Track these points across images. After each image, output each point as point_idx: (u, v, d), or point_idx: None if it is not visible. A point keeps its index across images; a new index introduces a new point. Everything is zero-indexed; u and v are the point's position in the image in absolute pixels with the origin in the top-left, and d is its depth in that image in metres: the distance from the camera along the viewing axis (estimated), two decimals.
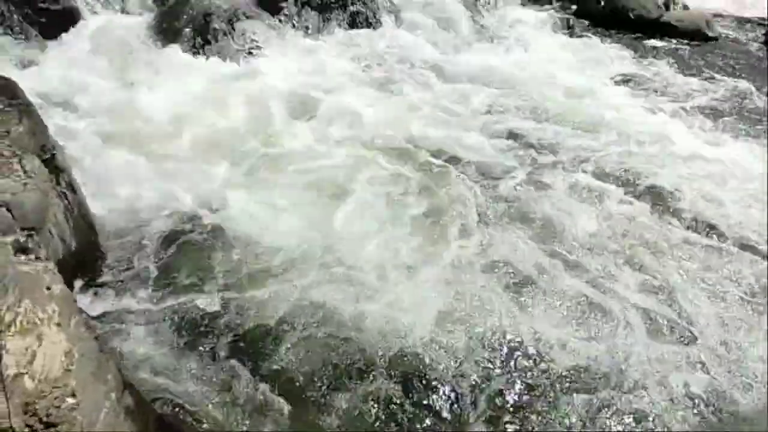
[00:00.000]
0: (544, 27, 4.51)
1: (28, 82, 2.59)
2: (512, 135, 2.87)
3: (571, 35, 4.57)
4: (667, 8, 5.06)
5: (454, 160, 2.63)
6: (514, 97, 3.19)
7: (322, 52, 3.45)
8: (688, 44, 4.59)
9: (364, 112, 2.83)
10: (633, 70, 3.94)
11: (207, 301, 1.79)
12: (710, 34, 4.75)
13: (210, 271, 1.92)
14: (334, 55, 3.45)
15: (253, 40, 3.29)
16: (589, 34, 4.58)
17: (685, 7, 5.28)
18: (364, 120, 2.77)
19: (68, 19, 3.38)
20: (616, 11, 4.85)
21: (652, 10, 4.85)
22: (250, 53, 3.25)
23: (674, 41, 4.61)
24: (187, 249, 2.00)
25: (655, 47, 4.47)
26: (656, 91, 3.65)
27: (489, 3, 4.59)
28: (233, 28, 3.32)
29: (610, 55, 4.14)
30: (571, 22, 4.73)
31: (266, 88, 2.89)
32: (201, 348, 1.66)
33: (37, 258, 1.34)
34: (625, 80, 3.79)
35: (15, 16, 3.23)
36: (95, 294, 1.80)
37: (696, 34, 4.71)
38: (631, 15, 4.79)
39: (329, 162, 2.47)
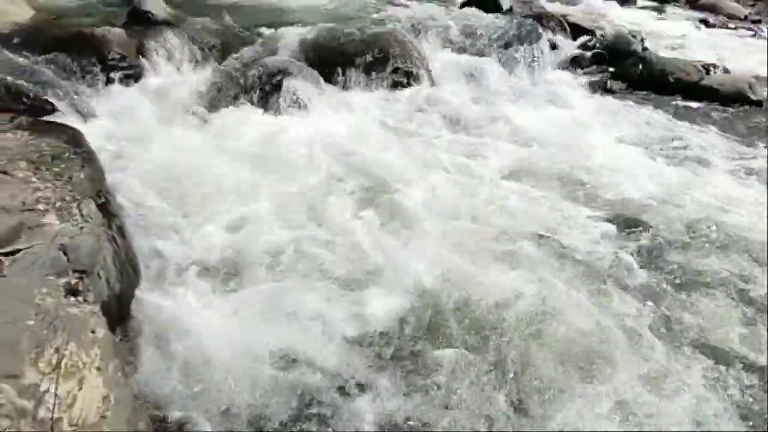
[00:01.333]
0: (581, 88, 4.57)
1: (91, 131, 2.82)
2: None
3: (608, 96, 4.61)
4: (708, 72, 5.06)
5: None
6: (546, 159, 3.20)
7: (364, 109, 3.60)
8: (731, 108, 4.54)
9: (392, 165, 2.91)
10: (673, 134, 3.87)
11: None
12: (754, 97, 4.69)
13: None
14: (376, 112, 3.60)
15: (301, 98, 3.47)
16: (628, 97, 4.61)
17: (726, 71, 5.27)
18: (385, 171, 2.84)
19: (133, 75, 3.67)
20: (654, 74, 4.89)
21: (692, 74, 4.85)
22: (298, 109, 3.43)
23: (716, 105, 4.57)
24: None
25: (696, 110, 4.44)
26: (697, 159, 3.55)
27: (528, 65, 4.71)
28: (284, 86, 3.52)
29: (650, 117, 4.11)
30: (609, 84, 4.78)
31: (312, 143, 3.03)
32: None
33: (85, 300, 1.39)
34: (665, 144, 3.72)
35: (84, 70, 3.52)
36: (133, 337, 1.84)
37: (739, 98, 4.66)
38: (670, 78, 4.81)
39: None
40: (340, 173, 2.83)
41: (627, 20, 7.68)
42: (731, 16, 9.67)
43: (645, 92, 4.76)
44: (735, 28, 8.68)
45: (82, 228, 1.61)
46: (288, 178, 2.72)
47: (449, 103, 3.89)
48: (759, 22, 9.62)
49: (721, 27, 8.65)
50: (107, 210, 1.99)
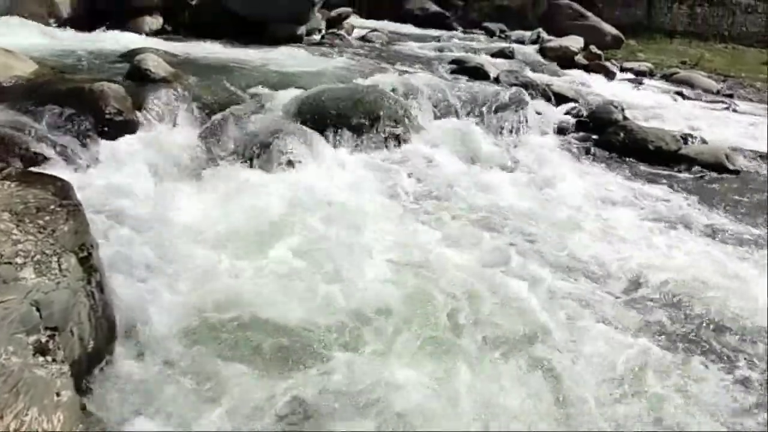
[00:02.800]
0: (565, 155, 4.73)
1: (79, 182, 2.81)
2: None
3: (593, 162, 4.76)
4: (686, 141, 5.28)
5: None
6: (533, 231, 3.22)
7: (353, 167, 3.66)
8: (709, 176, 4.69)
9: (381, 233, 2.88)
10: (654, 201, 3.98)
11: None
12: (731, 167, 4.87)
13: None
14: (364, 171, 3.65)
15: (292, 155, 3.54)
16: (610, 163, 4.77)
17: (704, 141, 5.50)
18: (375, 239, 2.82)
19: (127, 128, 3.72)
20: (635, 142, 5.08)
21: (671, 143, 5.06)
22: (289, 166, 3.48)
23: (695, 173, 4.73)
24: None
25: (675, 178, 4.58)
26: (680, 224, 3.63)
27: (514, 130, 4.89)
28: (275, 144, 3.59)
29: (632, 185, 4.24)
30: (592, 150, 4.95)
31: (298, 199, 3.04)
32: None
33: (54, 360, 1.33)
34: (647, 210, 3.81)
35: (79, 123, 3.57)
36: (102, 397, 1.75)
37: (717, 167, 4.84)
38: (650, 146, 5.00)
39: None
40: (318, 239, 2.77)
41: (608, 91, 8.10)
42: (705, 90, 10.25)
43: (627, 159, 4.93)
44: (709, 101, 9.17)
45: (58, 283, 1.57)
46: (269, 241, 2.68)
47: (439, 166, 3.97)
48: (731, 96, 10.19)
49: (696, 100, 9.13)
50: (88, 264, 1.95)
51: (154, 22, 7.50)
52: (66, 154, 3.33)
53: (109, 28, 6.87)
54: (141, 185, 3.05)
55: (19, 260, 1.58)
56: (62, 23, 6.95)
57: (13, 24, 6.11)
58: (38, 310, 1.39)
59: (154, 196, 2.94)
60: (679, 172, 4.73)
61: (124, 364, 1.87)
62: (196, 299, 2.20)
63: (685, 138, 5.31)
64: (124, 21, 7.17)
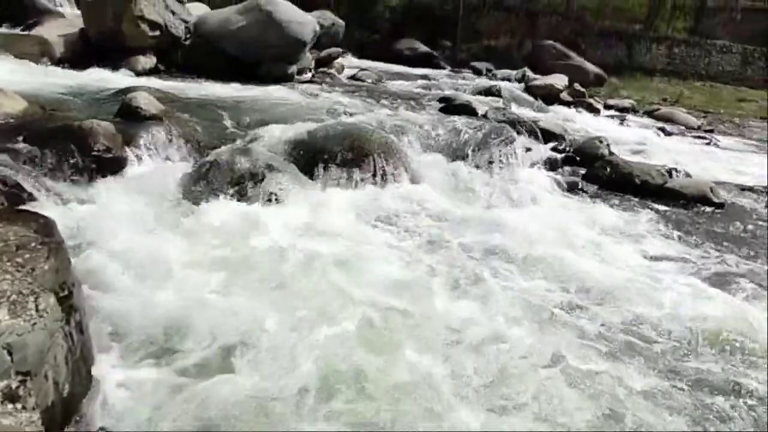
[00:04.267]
0: (554, 189, 4.78)
1: (65, 220, 2.77)
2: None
3: (579, 197, 4.81)
4: (671, 175, 5.38)
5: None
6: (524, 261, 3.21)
7: (342, 206, 3.64)
8: (694, 209, 4.76)
9: (368, 271, 2.82)
10: (642, 233, 4.01)
11: None
12: (716, 200, 4.95)
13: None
14: (353, 209, 3.63)
15: (280, 191, 3.53)
16: (597, 197, 4.83)
17: (688, 175, 5.61)
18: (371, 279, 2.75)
19: (116, 165, 3.71)
20: (622, 176, 5.17)
21: (657, 177, 5.15)
22: (276, 203, 3.47)
23: (680, 207, 4.80)
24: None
25: (660, 211, 4.64)
26: (668, 257, 3.65)
27: (503, 166, 4.95)
28: (265, 181, 3.59)
29: (621, 217, 4.26)
30: (581, 185, 5.02)
31: (286, 241, 3.00)
32: None
33: (24, 408, 1.26)
34: (636, 242, 3.83)
35: (68, 160, 3.55)
36: None
37: (701, 200, 4.92)
38: (636, 180, 5.09)
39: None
40: (303, 278, 2.70)
41: (593, 127, 8.30)
42: (686, 126, 10.55)
43: (614, 193, 4.99)
44: (691, 137, 9.43)
45: (34, 324, 1.51)
46: (256, 278, 2.63)
47: (428, 202, 3.97)
48: (712, 131, 10.50)
49: (678, 135, 9.37)
50: (68, 303, 1.89)
51: (148, 61, 7.62)
52: (52, 192, 3.29)
53: (102, 67, 6.97)
54: (127, 221, 3.01)
55: None
56: (56, 62, 7.04)
57: (5, 62, 6.17)
58: (10, 353, 1.32)
59: (139, 233, 2.89)
60: (666, 205, 4.79)
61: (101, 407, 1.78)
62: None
63: (669, 172, 5.41)
64: (117, 60, 7.29)
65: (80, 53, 7.45)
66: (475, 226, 3.64)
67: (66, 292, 1.91)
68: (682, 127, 10.29)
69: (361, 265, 2.84)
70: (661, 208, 4.73)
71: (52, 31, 7.75)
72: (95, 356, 2.01)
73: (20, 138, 3.57)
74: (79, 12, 9.06)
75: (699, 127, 10.70)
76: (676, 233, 4.07)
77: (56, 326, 1.71)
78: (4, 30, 8.49)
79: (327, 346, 2.14)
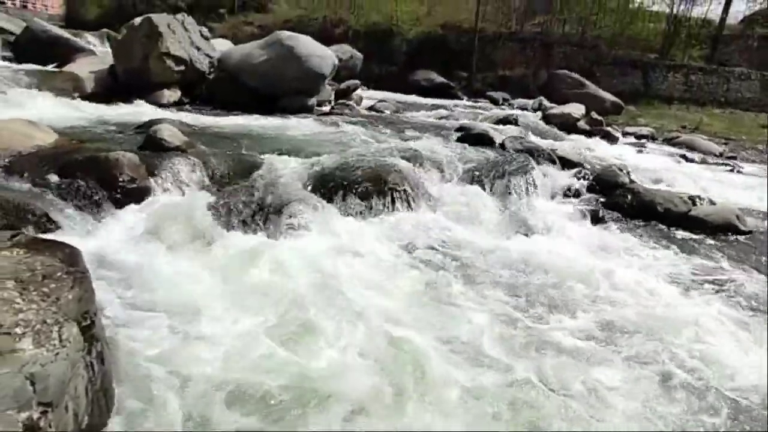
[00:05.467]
0: (573, 218, 4.70)
1: (90, 249, 2.83)
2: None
3: (600, 225, 4.72)
4: (694, 203, 5.26)
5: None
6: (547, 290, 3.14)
7: (363, 236, 3.64)
8: (720, 238, 4.63)
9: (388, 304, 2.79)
10: (669, 261, 3.91)
11: None
12: (742, 228, 4.81)
13: None
14: (371, 237, 3.62)
15: (300, 222, 3.55)
16: (619, 225, 4.74)
17: (712, 203, 5.48)
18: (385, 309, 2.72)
19: (141, 194, 3.80)
20: (644, 204, 5.07)
21: (680, 205, 5.04)
22: (296, 233, 3.48)
23: (705, 234, 4.67)
24: None
25: (687, 239, 4.52)
26: (698, 283, 3.55)
27: (522, 195, 4.91)
28: (286, 211, 3.62)
29: (644, 245, 4.18)
30: (601, 213, 4.94)
31: (301, 266, 3.00)
32: None
33: None
34: (665, 272, 3.72)
35: (94, 190, 3.64)
36: None
37: (727, 228, 4.78)
38: (659, 209, 4.98)
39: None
40: (321, 309, 2.66)
41: (612, 155, 8.23)
42: (708, 153, 10.39)
43: (636, 221, 4.89)
44: (713, 164, 9.26)
45: (57, 354, 1.52)
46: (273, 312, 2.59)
47: (447, 232, 3.94)
48: (734, 158, 10.31)
49: (699, 162, 9.22)
50: (90, 333, 1.90)
51: (172, 95, 7.90)
52: (78, 221, 3.38)
53: (129, 101, 7.25)
54: (149, 250, 3.05)
55: (18, 330, 1.54)
56: (86, 96, 7.34)
57: (39, 97, 6.45)
58: (33, 384, 1.33)
59: (160, 262, 2.92)
60: (691, 233, 4.67)
61: None
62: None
63: (693, 200, 5.29)
64: (144, 94, 7.57)
65: (109, 88, 7.77)
66: (494, 256, 3.59)
67: (88, 322, 1.93)
68: (704, 154, 10.14)
69: (383, 301, 2.81)
70: (687, 236, 4.61)
71: (83, 68, 8.11)
72: (114, 388, 2.01)
73: (50, 169, 3.69)
74: (109, 49, 9.49)
75: (721, 154, 10.53)
76: (705, 262, 3.95)
77: (78, 356, 1.72)
78: (39, 67, 8.92)
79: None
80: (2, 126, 4.22)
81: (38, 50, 10.66)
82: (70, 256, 2.31)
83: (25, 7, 27.20)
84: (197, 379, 2.08)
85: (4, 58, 11.37)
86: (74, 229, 3.26)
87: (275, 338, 2.35)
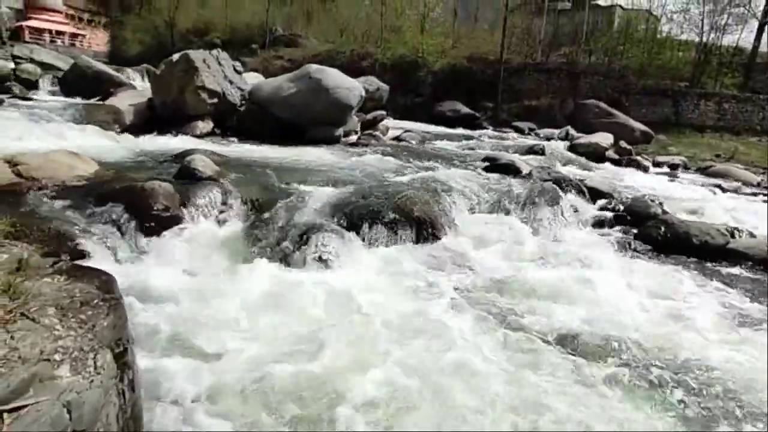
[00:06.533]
0: (606, 249, 4.59)
1: (123, 276, 2.91)
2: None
3: (632, 257, 4.59)
4: (732, 236, 5.06)
5: None
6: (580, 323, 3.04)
7: (387, 264, 3.64)
8: (760, 270, 4.42)
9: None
10: (710, 298, 3.75)
11: None
12: None
13: None
14: (398, 270, 3.61)
15: (328, 252, 3.58)
16: (654, 258, 4.59)
17: (752, 235, 5.27)
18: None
19: (174, 222, 3.90)
20: (677, 236, 4.90)
21: (717, 237, 4.85)
22: (323, 264, 3.51)
23: (744, 268, 4.47)
24: None
25: (726, 274, 4.33)
26: (738, 322, 3.39)
27: (550, 225, 4.84)
28: (313, 241, 3.66)
29: (682, 280, 4.02)
30: (633, 245, 4.80)
31: (331, 298, 3.00)
32: None
33: None
34: (704, 309, 3.57)
35: (130, 218, 3.76)
36: None
37: None
38: (695, 241, 4.81)
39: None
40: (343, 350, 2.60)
41: (642, 185, 8.06)
42: (744, 182, 10.05)
43: (669, 254, 4.73)
44: (750, 194, 8.94)
45: (92, 381, 1.55)
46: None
47: (476, 263, 3.90)
48: None
49: (736, 192, 8.93)
50: (123, 360, 1.94)
51: (205, 126, 8.20)
52: (114, 248, 3.49)
53: (165, 132, 7.56)
54: (180, 278, 3.12)
55: (57, 357, 1.59)
56: (125, 129, 7.70)
57: (84, 130, 6.80)
58: (69, 412, 1.36)
59: (191, 290, 2.98)
60: (730, 266, 4.48)
61: None
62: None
63: (732, 232, 5.10)
64: (179, 126, 7.89)
65: (147, 120, 8.14)
66: (518, 284, 3.52)
67: (121, 348, 1.97)
68: (740, 184, 9.82)
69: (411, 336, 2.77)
70: (726, 270, 4.42)
71: (123, 101, 8.54)
72: (143, 414, 2.03)
73: (90, 198, 3.86)
74: (148, 84, 9.97)
75: (758, 184, 10.17)
76: (749, 299, 3.76)
77: (111, 383, 1.75)
78: (84, 101, 9.45)
79: None
80: (48, 157, 4.45)
81: (84, 85, 11.32)
82: (106, 283, 2.38)
83: (73, 45, 29.01)
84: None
85: (54, 93, 12.08)
86: (109, 257, 3.37)
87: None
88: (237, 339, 2.57)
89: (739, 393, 2.46)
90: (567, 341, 2.85)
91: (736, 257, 4.64)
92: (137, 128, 7.73)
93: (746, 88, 17.55)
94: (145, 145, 6.53)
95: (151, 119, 8.17)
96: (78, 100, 9.50)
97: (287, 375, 2.30)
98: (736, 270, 4.42)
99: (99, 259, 3.23)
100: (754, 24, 19.00)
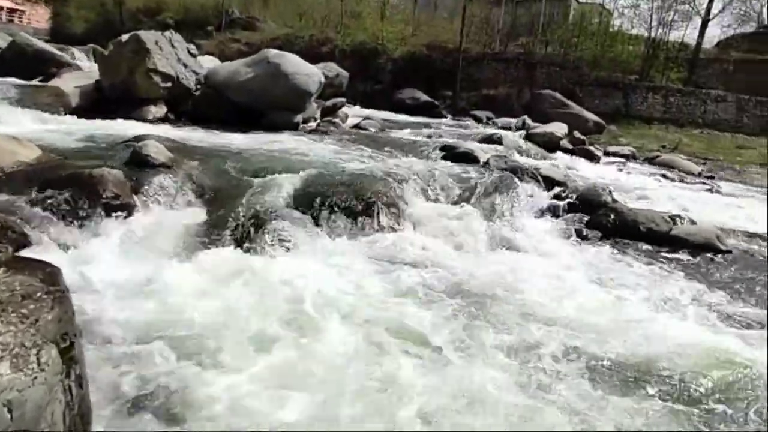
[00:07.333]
0: (557, 236, 4.77)
1: (70, 267, 2.78)
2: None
3: (584, 244, 4.79)
4: (675, 222, 5.36)
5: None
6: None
7: (344, 253, 3.64)
8: (701, 256, 4.72)
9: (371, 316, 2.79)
10: (651, 281, 3.97)
11: None
12: (722, 247, 4.91)
13: None
14: (355, 256, 3.62)
15: (284, 240, 3.55)
16: (602, 244, 4.80)
17: (693, 222, 5.60)
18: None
19: (125, 211, 3.75)
20: (626, 224, 5.15)
21: (662, 225, 5.13)
22: (284, 252, 3.47)
23: (686, 253, 4.75)
24: None
25: (668, 258, 4.59)
26: (677, 302, 3.61)
27: (506, 213, 4.97)
28: (271, 229, 3.61)
29: (628, 265, 4.24)
30: (585, 232, 5.01)
31: (285, 285, 2.98)
32: None
33: None
34: (645, 290, 3.78)
35: (77, 207, 3.59)
36: None
37: (708, 247, 4.87)
38: (641, 228, 5.06)
39: None
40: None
41: (594, 174, 8.39)
42: (687, 172, 10.65)
43: (618, 240, 4.96)
44: (693, 183, 9.49)
45: (35, 378, 1.48)
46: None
47: (429, 251, 3.95)
48: (712, 177, 10.58)
49: (679, 181, 9.45)
50: (69, 355, 1.86)
51: (158, 110, 7.87)
52: (59, 239, 3.32)
53: (115, 116, 7.20)
54: (132, 268, 3.01)
55: None
56: (71, 112, 7.28)
57: (25, 113, 6.38)
58: (10, 411, 1.29)
59: (143, 280, 2.88)
60: (672, 252, 4.76)
61: None
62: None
63: (674, 219, 5.39)
64: (129, 110, 7.53)
65: (94, 104, 7.72)
66: (475, 274, 3.60)
67: (67, 344, 1.89)
68: (683, 174, 10.38)
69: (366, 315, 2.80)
70: (669, 255, 4.69)
71: (68, 83, 8.06)
72: (93, 412, 1.96)
73: (33, 185, 3.64)
74: (95, 65, 9.45)
75: (700, 174, 10.80)
76: (686, 282, 4.01)
77: (56, 380, 1.68)
78: (24, 82, 8.84)
79: None
80: None
81: (23, 64, 10.56)
82: (50, 275, 2.26)
83: (11, 21, 27.05)
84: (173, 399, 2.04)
85: None
86: (55, 247, 3.21)
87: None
88: (191, 324, 2.52)
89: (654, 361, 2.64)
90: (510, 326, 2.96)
91: (678, 243, 4.92)
92: (84, 112, 7.33)
93: (690, 83, 18.49)
94: (93, 129, 6.20)
95: (99, 102, 7.76)
96: (17, 80, 8.88)
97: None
98: (678, 255, 4.70)
99: (43, 250, 3.06)
100: (698, 21, 20.01)
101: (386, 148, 7.21)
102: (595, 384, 2.43)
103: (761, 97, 17.34)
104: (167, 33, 8.32)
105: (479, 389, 2.26)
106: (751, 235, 5.67)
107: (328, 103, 10.76)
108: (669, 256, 4.68)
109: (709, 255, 4.76)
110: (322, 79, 8.61)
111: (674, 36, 20.48)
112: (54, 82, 8.30)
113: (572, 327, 2.94)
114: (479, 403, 2.18)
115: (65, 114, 7.08)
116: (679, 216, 5.59)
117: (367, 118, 11.27)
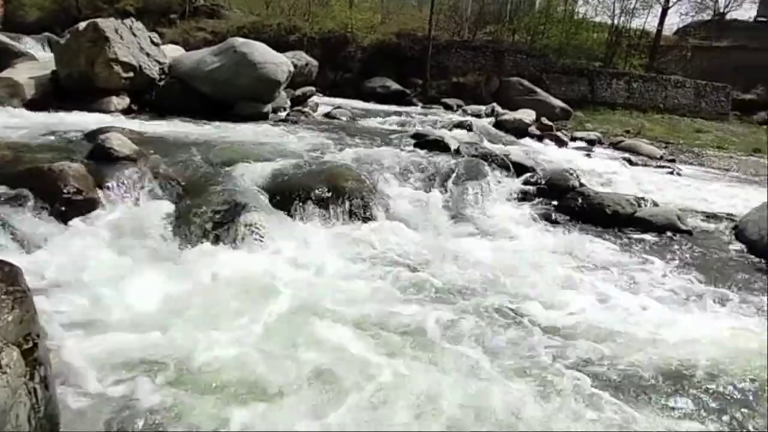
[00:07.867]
0: (527, 220, 4.87)
1: (31, 266, 2.67)
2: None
3: (552, 227, 4.91)
4: (639, 205, 5.56)
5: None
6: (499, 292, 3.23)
7: (318, 242, 3.63)
8: (663, 236, 4.91)
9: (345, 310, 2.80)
10: (615, 260, 4.11)
11: None
12: (683, 227, 5.12)
13: None
14: (331, 247, 3.60)
15: (259, 231, 3.49)
16: (570, 227, 4.95)
17: (655, 204, 5.81)
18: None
19: (88, 207, 3.62)
20: (593, 207, 5.31)
21: (627, 207, 5.31)
22: (255, 242, 3.42)
23: (649, 234, 4.94)
24: None
25: (632, 238, 4.77)
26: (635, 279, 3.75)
27: (477, 200, 5.03)
28: (242, 219, 3.54)
29: (594, 246, 4.38)
30: (554, 216, 5.13)
31: (261, 275, 2.95)
32: None
33: None
34: (608, 269, 3.91)
35: (36, 203, 3.44)
36: None
37: (670, 228, 5.08)
38: (607, 211, 5.23)
39: None
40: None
41: (562, 159, 8.57)
42: (649, 156, 11.01)
43: (585, 223, 5.11)
44: (655, 166, 9.82)
45: None
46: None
47: (402, 238, 3.98)
48: (673, 161, 10.97)
49: (643, 165, 9.76)
50: (32, 357, 1.80)
51: (121, 102, 7.59)
52: (18, 236, 3.18)
53: (74, 108, 6.90)
54: (96, 267, 2.92)
55: None
56: (26, 104, 6.94)
57: None
58: None
59: (108, 278, 2.80)
60: (637, 233, 4.93)
61: None
62: None
63: (638, 201, 5.58)
64: (90, 102, 7.22)
65: (51, 95, 7.37)
66: (446, 259, 3.65)
67: (30, 345, 1.82)
68: (646, 158, 10.73)
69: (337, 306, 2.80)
70: (633, 236, 4.86)
71: (22, 74, 7.66)
72: (60, 413, 1.90)
73: None
74: (51, 54, 9.02)
75: (661, 157, 11.18)
76: (649, 261, 4.17)
77: (19, 382, 1.62)
78: None
79: None
80: None
81: None
82: (10, 274, 2.17)
83: None
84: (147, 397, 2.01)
85: None
86: (13, 245, 3.07)
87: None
88: (161, 319, 2.46)
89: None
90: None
91: (641, 224, 5.11)
92: (40, 104, 6.99)
93: (651, 69, 19.03)
94: (51, 122, 5.93)
95: (56, 94, 7.42)
96: None
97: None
98: (642, 236, 4.87)
99: (1, 250, 2.93)
100: (659, 9, 20.55)
101: (358, 137, 7.17)
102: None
103: (717, 82, 18.02)
104: (127, 21, 8.00)
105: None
106: (710, 216, 5.93)
107: (298, 92, 10.60)
108: (634, 236, 4.85)
109: (669, 234, 4.96)
110: (291, 68, 8.46)
111: (636, 23, 21.00)
112: (7, 73, 7.87)
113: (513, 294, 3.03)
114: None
115: (19, 106, 6.75)
116: (643, 198, 5.79)
117: (337, 107, 11.16)
